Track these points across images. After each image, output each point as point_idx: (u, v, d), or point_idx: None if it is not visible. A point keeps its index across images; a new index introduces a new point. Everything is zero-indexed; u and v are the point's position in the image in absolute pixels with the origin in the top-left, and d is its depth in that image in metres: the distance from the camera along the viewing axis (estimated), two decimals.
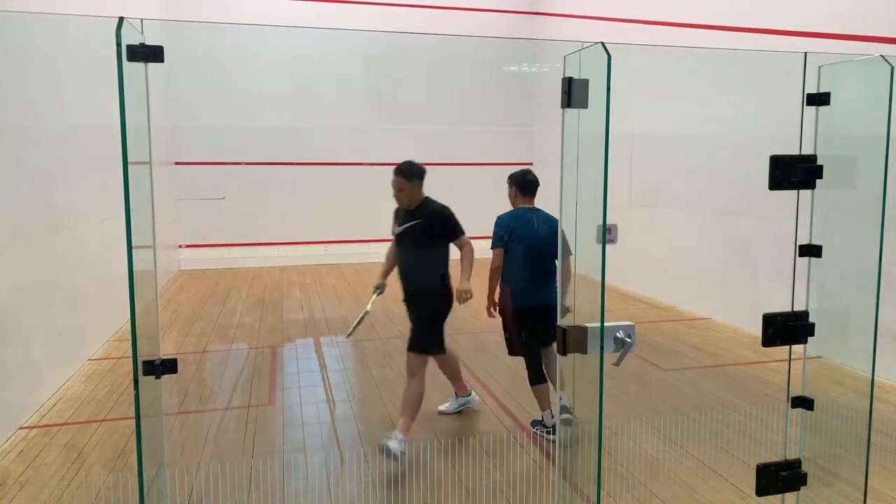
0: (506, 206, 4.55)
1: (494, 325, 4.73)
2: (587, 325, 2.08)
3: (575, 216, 2.13)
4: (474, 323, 7.60)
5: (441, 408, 4.81)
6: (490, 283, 4.44)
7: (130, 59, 1.91)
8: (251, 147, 11.66)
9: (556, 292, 4.29)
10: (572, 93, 2.04)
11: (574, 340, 2.09)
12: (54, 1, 5.78)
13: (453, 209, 4.36)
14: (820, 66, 2.50)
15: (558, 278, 4.20)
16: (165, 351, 2.25)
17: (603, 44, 1.94)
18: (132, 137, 1.90)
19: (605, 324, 2.07)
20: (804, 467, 2.63)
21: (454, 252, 4.38)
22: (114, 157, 2.00)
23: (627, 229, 7.62)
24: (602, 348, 2.08)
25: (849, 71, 2.56)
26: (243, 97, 11.61)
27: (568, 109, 2.07)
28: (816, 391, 2.64)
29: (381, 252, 4.76)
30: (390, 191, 4.31)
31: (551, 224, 4.34)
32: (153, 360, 2.12)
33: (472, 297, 4.24)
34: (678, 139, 8.35)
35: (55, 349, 5.45)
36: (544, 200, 4.39)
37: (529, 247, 4.31)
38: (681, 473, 3.82)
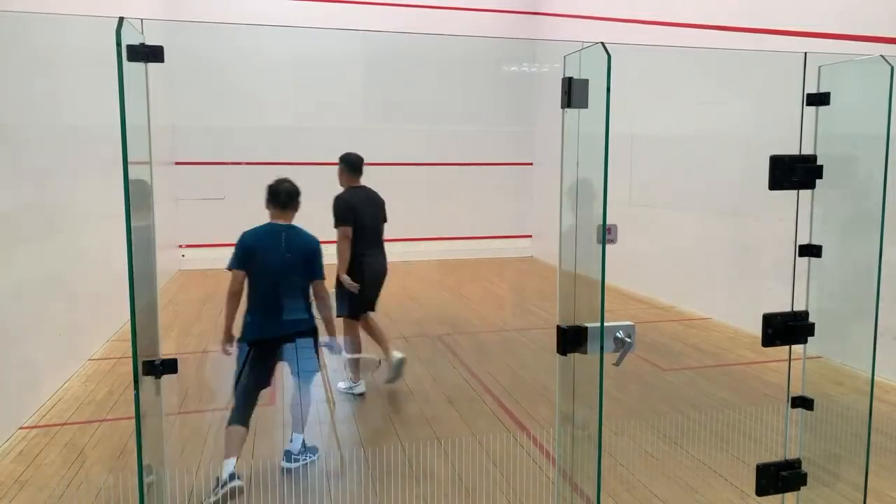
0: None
1: (493, 325, 4.72)
2: (587, 325, 2.08)
3: (575, 216, 2.13)
4: (474, 322, 7.60)
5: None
6: None
7: (130, 59, 1.91)
8: (251, 147, 11.65)
9: None
10: (572, 93, 2.04)
11: (574, 340, 2.09)
12: (54, 1, 5.78)
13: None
14: (820, 66, 2.50)
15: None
16: (165, 351, 2.25)
17: (603, 44, 1.94)
18: (132, 137, 1.90)
19: (605, 324, 2.07)
20: (804, 467, 2.63)
21: None
22: (114, 157, 2.00)
23: (627, 229, 7.62)
24: (602, 348, 2.08)
25: (849, 71, 2.56)
26: (243, 97, 11.60)
27: (568, 109, 2.07)
28: (816, 391, 2.64)
29: None
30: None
31: None
32: (153, 360, 2.12)
33: None
34: (678, 139, 8.34)
35: (55, 349, 5.44)
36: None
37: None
38: (681, 473, 3.82)
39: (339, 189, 5.12)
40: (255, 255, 3.90)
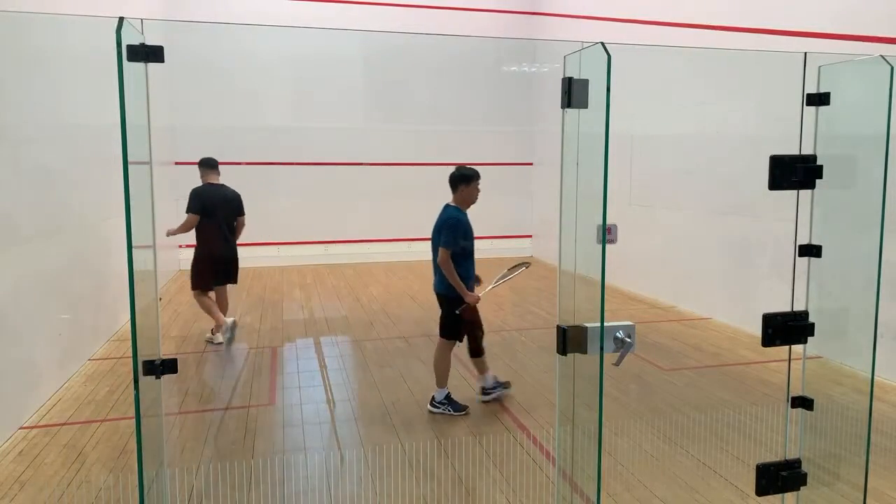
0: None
1: (493, 325, 4.72)
2: (587, 325, 2.08)
3: (575, 216, 2.13)
4: None
5: None
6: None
7: (130, 59, 1.91)
8: (251, 147, 11.65)
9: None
10: (572, 93, 2.04)
11: (574, 340, 2.09)
12: (54, 1, 5.78)
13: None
14: (820, 66, 2.50)
15: None
16: (165, 351, 2.25)
17: (603, 44, 1.94)
18: (132, 137, 1.90)
19: (605, 324, 2.07)
20: (804, 467, 2.63)
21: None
22: (114, 157, 2.00)
23: (627, 229, 7.63)
24: (602, 348, 2.08)
25: (849, 71, 2.57)
26: (243, 97, 11.60)
27: (568, 109, 2.07)
28: (816, 391, 2.64)
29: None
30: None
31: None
32: (153, 360, 2.12)
33: None
34: (678, 139, 8.34)
35: (55, 349, 5.45)
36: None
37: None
38: (681, 473, 3.83)
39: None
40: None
